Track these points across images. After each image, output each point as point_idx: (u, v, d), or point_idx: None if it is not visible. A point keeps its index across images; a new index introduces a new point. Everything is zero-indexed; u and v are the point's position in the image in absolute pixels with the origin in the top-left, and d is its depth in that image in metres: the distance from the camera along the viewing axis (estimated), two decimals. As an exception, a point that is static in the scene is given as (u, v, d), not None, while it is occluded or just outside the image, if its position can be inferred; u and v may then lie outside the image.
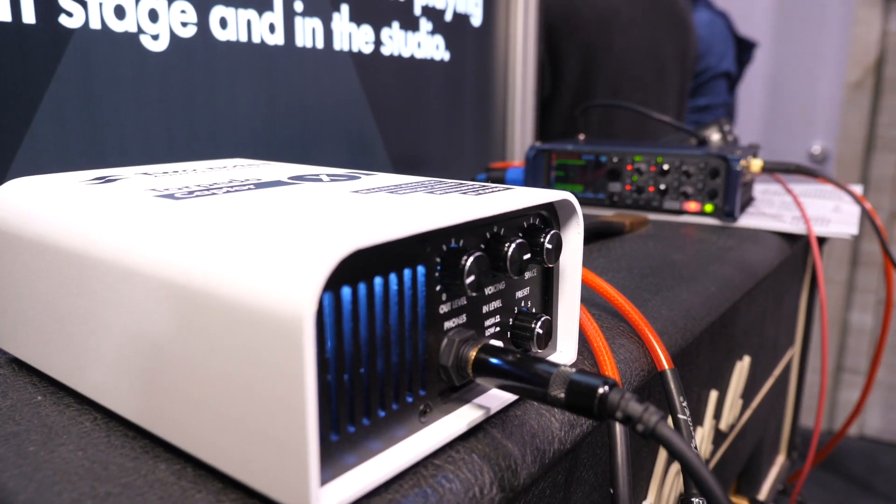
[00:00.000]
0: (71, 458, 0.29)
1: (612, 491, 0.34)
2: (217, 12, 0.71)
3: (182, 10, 0.68)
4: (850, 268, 2.37)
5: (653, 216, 0.83)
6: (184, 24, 0.68)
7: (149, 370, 0.29)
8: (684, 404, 0.41)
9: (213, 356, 0.25)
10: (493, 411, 0.32)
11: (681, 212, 0.82)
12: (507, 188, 0.35)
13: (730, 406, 0.68)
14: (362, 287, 0.26)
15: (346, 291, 0.25)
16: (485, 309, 0.33)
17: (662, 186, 0.82)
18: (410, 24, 0.99)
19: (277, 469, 0.24)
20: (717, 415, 0.66)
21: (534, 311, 0.36)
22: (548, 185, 0.90)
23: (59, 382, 0.36)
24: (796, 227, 0.77)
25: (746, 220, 0.79)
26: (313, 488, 0.23)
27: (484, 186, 0.36)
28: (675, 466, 0.54)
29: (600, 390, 0.26)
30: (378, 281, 0.26)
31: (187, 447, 0.28)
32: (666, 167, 0.81)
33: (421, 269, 0.28)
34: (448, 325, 0.30)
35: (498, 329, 0.34)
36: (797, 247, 0.82)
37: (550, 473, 0.37)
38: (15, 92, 0.57)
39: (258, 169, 0.43)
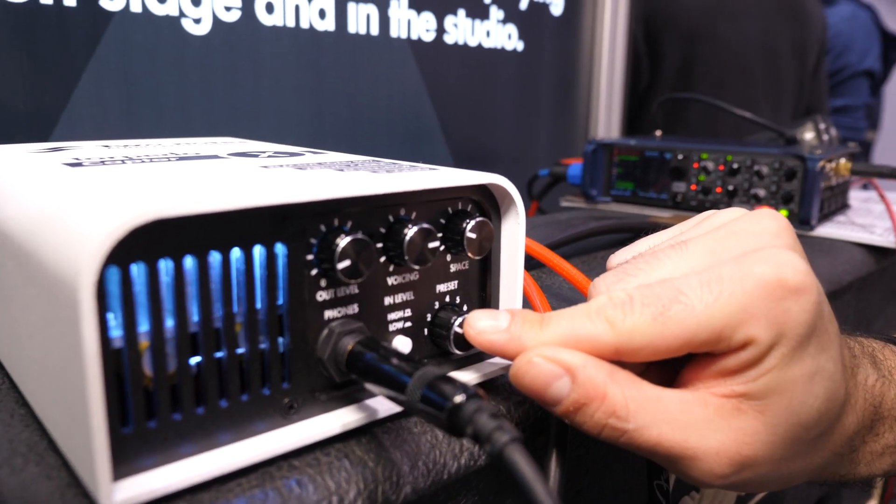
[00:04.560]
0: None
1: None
2: (263, -3, 0.72)
3: (226, -6, 0.69)
4: None
5: (719, 221, 0.75)
6: (227, 9, 0.69)
7: (13, 338, 0.28)
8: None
9: (37, 326, 0.24)
10: (380, 415, 0.29)
11: (751, 217, 0.73)
12: (434, 169, 0.32)
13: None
14: (191, 261, 0.23)
15: (167, 264, 0.23)
16: (387, 301, 0.29)
17: (731, 187, 0.74)
18: (479, 12, 0.96)
19: (81, 455, 0.22)
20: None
21: (465, 308, 0.32)
22: (608, 182, 0.84)
23: None
24: (886, 240, 0.66)
25: (826, 229, 0.69)
26: (102, 480, 0.21)
27: (414, 167, 0.33)
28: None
29: (456, 399, 0.23)
30: (216, 256, 0.24)
31: (38, 413, 0.27)
32: (736, 166, 0.73)
33: (281, 249, 0.25)
34: (330, 314, 0.27)
35: (408, 325, 0.30)
36: (890, 262, 0.71)
37: (476, 488, 0.33)
38: (54, 70, 0.60)
39: (221, 146, 0.42)
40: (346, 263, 0.26)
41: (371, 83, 0.85)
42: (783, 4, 1.33)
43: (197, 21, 0.68)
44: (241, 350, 0.25)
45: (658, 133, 0.94)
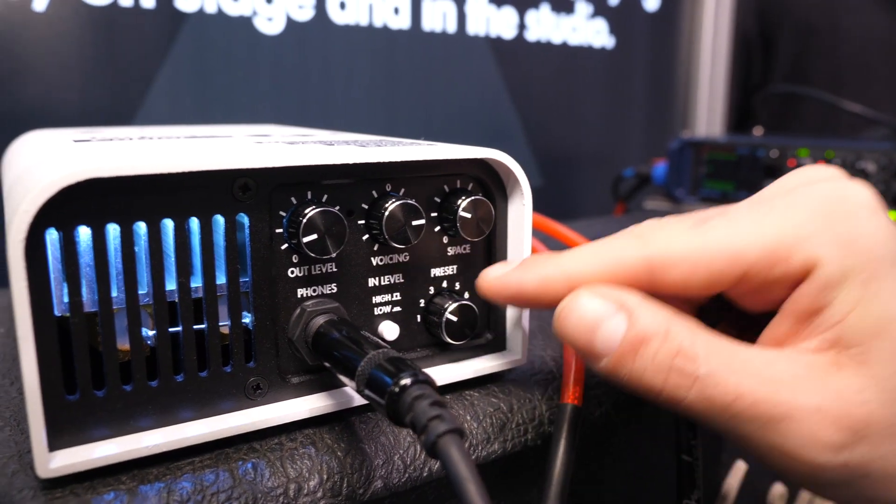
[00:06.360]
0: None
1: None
2: (336, -5, 0.72)
3: (298, -7, 0.70)
4: None
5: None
6: (300, 7, 0.71)
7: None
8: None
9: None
10: (355, 403, 0.27)
11: (855, 220, 0.65)
12: (431, 144, 0.29)
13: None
14: (142, 227, 0.23)
15: (113, 228, 0.22)
16: (371, 282, 0.28)
17: (832, 188, 0.66)
18: (564, 7, 0.92)
19: (28, 420, 0.22)
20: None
21: (466, 295, 0.30)
22: (695, 181, 0.78)
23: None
24: None
25: (945, 235, 0.60)
26: (37, 443, 0.21)
27: (414, 143, 0.31)
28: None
29: (401, 383, 0.20)
30: (168, 223, 0.23)
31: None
32: (838, 163, 0.66)
33: (244, 218, 0.24)
34: (304, 292, 0.26)
35: (397, 310, 0.28)
36: None
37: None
38: (132, 67, 0.63)
39: (248, 130, 0.42)
40: (312, 237, 0.24)
41: (447, 82, 0.83)
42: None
43: (269, 20, 0.69)
44: (200, 326, 0.24)
45: (758, 131, 0.87)
